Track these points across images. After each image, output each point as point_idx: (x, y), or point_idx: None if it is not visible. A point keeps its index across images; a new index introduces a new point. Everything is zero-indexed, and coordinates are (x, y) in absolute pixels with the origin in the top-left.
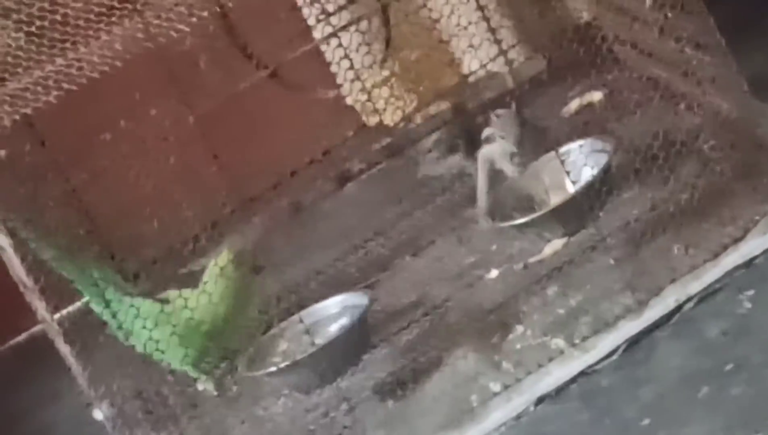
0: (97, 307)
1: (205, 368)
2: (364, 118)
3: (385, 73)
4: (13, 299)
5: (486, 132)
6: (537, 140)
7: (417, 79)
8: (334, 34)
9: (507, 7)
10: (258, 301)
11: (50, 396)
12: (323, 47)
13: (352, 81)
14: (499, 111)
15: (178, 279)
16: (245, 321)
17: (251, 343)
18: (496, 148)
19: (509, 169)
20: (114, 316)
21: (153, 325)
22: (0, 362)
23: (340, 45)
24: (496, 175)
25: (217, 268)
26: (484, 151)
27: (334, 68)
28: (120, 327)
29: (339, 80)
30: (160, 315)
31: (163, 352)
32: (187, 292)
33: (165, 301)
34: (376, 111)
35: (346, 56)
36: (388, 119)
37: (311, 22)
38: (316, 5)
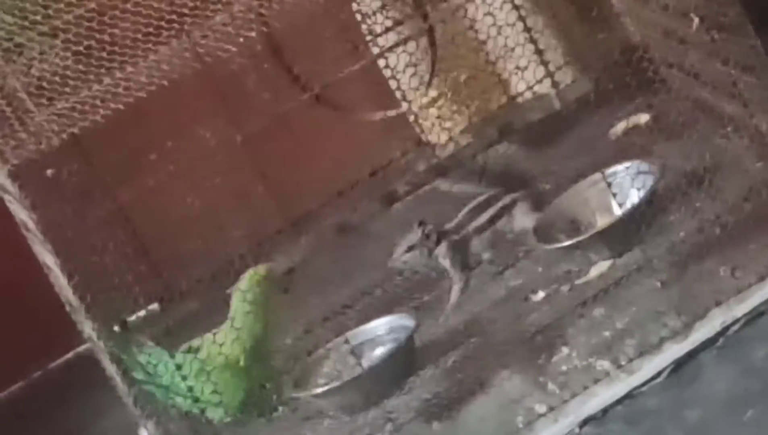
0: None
1: (259, 409)
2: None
3: (432, 94)
4: (60, 318)
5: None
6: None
7: (464, 100)
8: (381, 55)
9: (554, 29)
10: (286, 318)
11: (97, 414)
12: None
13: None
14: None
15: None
16: (279, 339)
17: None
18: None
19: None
20: (152, 375)
21: (193, 377)
22: (47, 381)
23: (387, 66)
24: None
25: (240, 293)
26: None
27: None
28: (160, 386)
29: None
30: (194, 364)
31: (203, 403)
32: (218, 333)
33: (196, 350)
34: (422, 132)
35: (393, 77)
36: (435, 139)
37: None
38: (362, 26)
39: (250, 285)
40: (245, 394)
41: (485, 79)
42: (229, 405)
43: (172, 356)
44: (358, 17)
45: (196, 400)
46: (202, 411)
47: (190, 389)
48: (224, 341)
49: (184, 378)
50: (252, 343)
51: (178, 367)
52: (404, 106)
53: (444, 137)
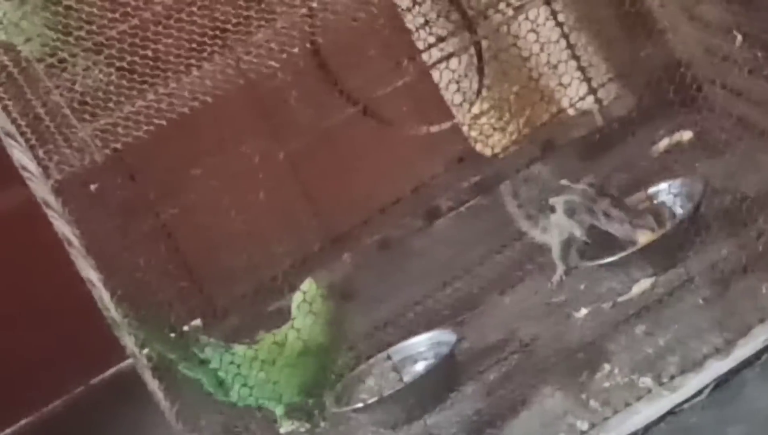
0: (192, 371)
1: (318, 393)
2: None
3: (476, 110)
4: (103, 334)
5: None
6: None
7: (507, 117)
8: (439, 62)
9: (597, 46)
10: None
11: (139, 429)
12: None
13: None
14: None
15: (267, 315)
16: (339, 351)
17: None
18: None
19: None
20: (214, 373)
21: (253, 367)
22: (90, 396)
23: (447, 68)
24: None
25: (304, 304)
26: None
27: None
28: (220, 384)
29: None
30: (259, 355)
31: (259, 396)
32: (286, 326)
33: (256, 343)
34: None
35: (456, 81)
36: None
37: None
38: (420, 33)
39: (311, 296)
40: (301, 389)
41: (529, 96)
42: (284, 396)
43: (230, 348)
44: (416, 24)
45: (251, 391)
46: (259, 406)
47: (245, 379)
48: (284, 339)
49: (238, 366)
50: (312, 343)
51: (235, 357)
52: (460, 114)
53: (488, 151)
